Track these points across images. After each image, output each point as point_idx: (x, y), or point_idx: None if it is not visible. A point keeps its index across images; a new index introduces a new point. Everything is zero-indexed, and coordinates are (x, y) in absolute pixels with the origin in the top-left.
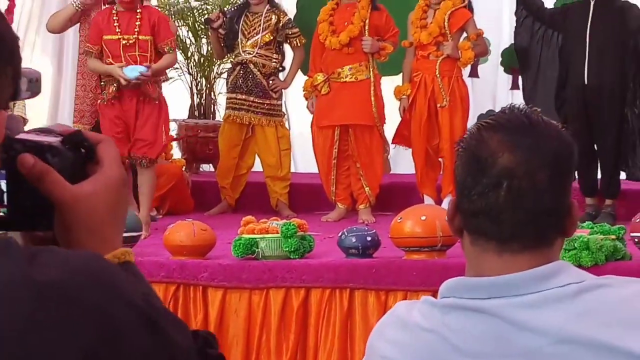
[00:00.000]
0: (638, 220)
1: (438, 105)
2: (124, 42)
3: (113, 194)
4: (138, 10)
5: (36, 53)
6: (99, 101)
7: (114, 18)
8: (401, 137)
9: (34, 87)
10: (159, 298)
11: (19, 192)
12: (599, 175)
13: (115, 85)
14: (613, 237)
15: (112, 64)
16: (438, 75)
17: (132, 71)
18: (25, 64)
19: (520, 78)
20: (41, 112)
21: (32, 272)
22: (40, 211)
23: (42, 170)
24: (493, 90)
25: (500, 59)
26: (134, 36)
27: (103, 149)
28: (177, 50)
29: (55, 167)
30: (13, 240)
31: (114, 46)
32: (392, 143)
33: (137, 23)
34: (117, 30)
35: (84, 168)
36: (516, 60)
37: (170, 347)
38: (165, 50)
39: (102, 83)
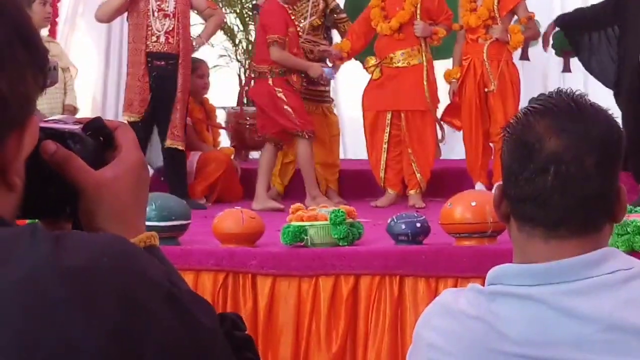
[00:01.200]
0: None
1: (486, 89)
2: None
3: (134, 178)
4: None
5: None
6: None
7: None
8: (449, 116)
9: (51, 76)
10: (184, 280)
11: (42, 180)
12: None
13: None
14: None
15: (296, 55)
16: (486, 59)
17: (331, 74)
18: (73, 50)
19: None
20: (87, 102)
21: (58, 256)
22: (63, 199)
23: (65, 157)
24: (545, 73)
25: (552, 42)
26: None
27: (121, 134)
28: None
29: (77, 153)
30: (39, 225)
31: (293, 37)
32: (441, 120)
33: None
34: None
35: (104, 154)
36: (567, 43)
37: (196, 328)
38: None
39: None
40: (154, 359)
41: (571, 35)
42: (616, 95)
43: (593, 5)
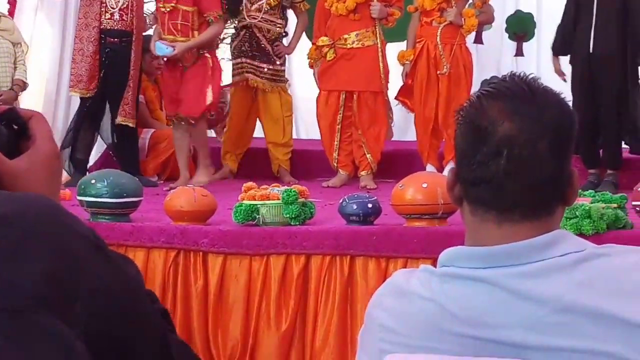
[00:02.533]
0: None
1: (438, 72)
2: (163, 9)
3: (47, 168)
4: None
5: (40, 18)
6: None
7: None
8: (402, 96)
9: None
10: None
11: None
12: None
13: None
14: (615, 205)
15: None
16: (439, 42)
17: (160, 49)
18: (29, 28)
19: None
20: (42, 77)
21: None
22: None
23: None
24: (498, 56)
25: (505, 25)
26: (172, 4)
27: (35, 124)
28: (222, 21)
29: None
30: None
31: (161, 14)
32: (395, 99)
33: None
34: None
35: (19, 144)
36: (521, 27)
37: (123, 275)
38: (209, 20)
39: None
40: (87, 302)
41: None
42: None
43: (562, 17)
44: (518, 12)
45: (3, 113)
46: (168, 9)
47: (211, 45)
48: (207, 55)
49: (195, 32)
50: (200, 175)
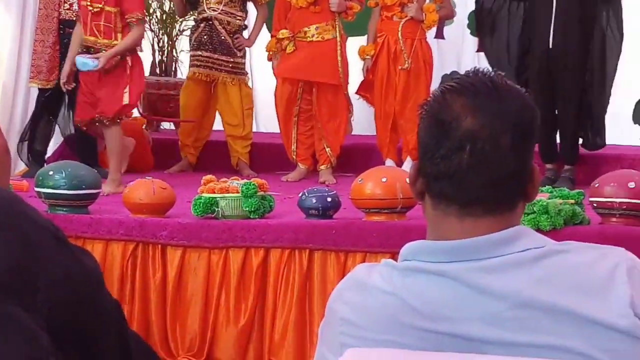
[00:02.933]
0: (597, 185)
1: (399, 67)
2: (90, 8)
3: None
4: None
5: None
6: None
7: None
8: (363, 91)
9: None
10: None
11: None
12: (558, 141)
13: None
14: (572, 201)
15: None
16: (400, 37)
17: (83, 65)
18: None
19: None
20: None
21: None
22: None
23: None
24: (459, 52)
25: (467, 21)
26: (100, 5)
27: None
28: (143, 23)
29: None
30: None
31: (84, 12)
32: (355, 93)
33: None
34: None
35: None
36: None
37: (83, 266)
38: (130, 23)
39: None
40: (47, 292)
41: (479, 15)
42: (518, 77)
43: None
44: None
45: None
46: (96, 10)
47: (133, 50)
48: (127, 57)
49: (119, 35)
50: (106, 185)
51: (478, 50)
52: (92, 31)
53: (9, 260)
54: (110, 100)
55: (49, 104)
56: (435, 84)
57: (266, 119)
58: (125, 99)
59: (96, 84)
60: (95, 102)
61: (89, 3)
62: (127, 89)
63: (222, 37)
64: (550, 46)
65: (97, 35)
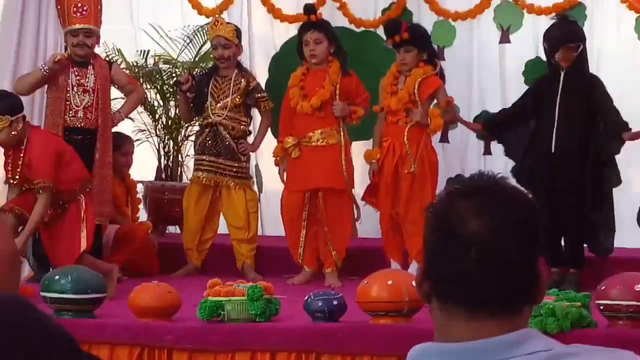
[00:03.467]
0: (603, 287)
1: (406, 171)
2: (12, 181)
3: (6, 266)
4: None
5: None
6: None
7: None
8: (370, 196)
9: None
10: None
11: None
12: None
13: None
14: (579, 304)
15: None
16: (406, 142)
17: None
18: None
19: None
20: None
21: None
22: None
23: None
24: (463, 155)
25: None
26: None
27: None
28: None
29: None
30: None
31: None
32: (362, 200)
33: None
34: None
35: None
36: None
37: None
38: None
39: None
40: None
41: (498, 133)
42: (518, 178)
43: (514, 103)
44: (484, 112)
45: None
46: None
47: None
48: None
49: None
50: None
51: (485, 153)
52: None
53: None
54: (68, 252)
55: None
56: (440, 188)
57: (275, 221)
58: (83, 244)
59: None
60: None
61: (10, 176)
62: (83, 233)
63: (227, 142)
64: (553, 149)
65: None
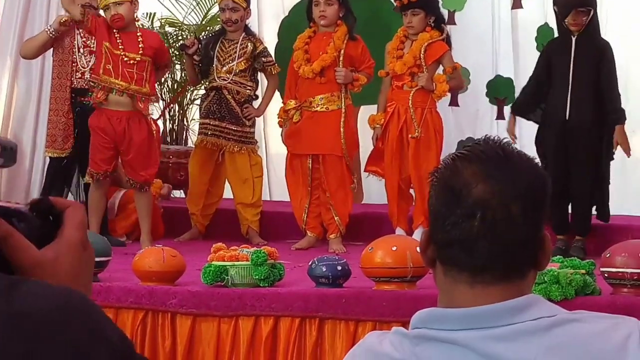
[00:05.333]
0: (608, 255)
1: (410, 136)
2: (126, 59)
3: (74, 258)
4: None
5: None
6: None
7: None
8: (373, 165)
9: (9, 155)
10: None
11: None
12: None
13: (103, 92)
14: (583, 271)
15: (110, 72)
16: (411, 106)
17: None
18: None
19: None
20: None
21: (8, 301)
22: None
23: (6, 232)
24: (474, 118)
25: (486, 90)
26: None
27: (69, 213)
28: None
29: (22, 232)
30: None
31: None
32: (365, 171)
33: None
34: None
35: (53, 234)
36: (501, 91)
37: None
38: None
39: (90, 94)
40: None
41: (526, 115)
42: (537, 145)
43: (530, 79)
44: (498, 77)
45: (35, 202)
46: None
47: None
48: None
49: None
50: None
51: (497, 118)
52: (125, 77)
53: None
54: (146, 165)
55: (61, 172)
56: (451, 150)
57: (280, 185)
58: (155, 160)
59: (123, 141)
60: (114, 155)
61: (123, 53)
62: (154, 149)
63: (231, 106)
64: (567, 117)
65: (129, 81)
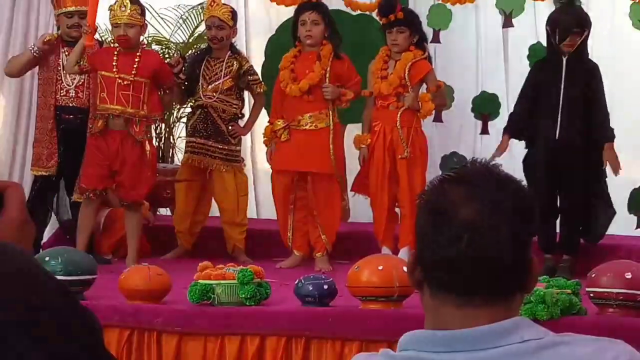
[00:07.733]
0: (594, 275)
1: (399, 156)
2: (119, 81)
3: (13, 236)
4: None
5: None
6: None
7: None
8: (360, 186)
9: None
10: None
11: None
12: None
13: (102, 120)
14: (569, 291)
15: (105, 99)
16: (399, 126)
17: None
18: None
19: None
20: None
21: None
22: None
23: None
24: (458, 133)
25: (471, 105)
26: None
27: (9, 193)
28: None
29: None
30: None
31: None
32: (351, 191)
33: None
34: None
35: None
36: (486, 107)
37: (87, 317)
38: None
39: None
40: (51, 332)
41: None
42: (524, 166)
43: (518, 100)
44: (483, 93)
45: None
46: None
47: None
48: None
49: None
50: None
51: (482, 133)
52: (120, 100)
53: (14, 312)
54: (135, 185)
55: (44, 191)
56: (436, 165)
57: (268, 203)
58: (146, 181)
59: (116, 160)
60: (107, 174)
61: (117, 75)
62: (146, 170)
63: (217, 125)
64: (557, 136)
65: (125, 104)
